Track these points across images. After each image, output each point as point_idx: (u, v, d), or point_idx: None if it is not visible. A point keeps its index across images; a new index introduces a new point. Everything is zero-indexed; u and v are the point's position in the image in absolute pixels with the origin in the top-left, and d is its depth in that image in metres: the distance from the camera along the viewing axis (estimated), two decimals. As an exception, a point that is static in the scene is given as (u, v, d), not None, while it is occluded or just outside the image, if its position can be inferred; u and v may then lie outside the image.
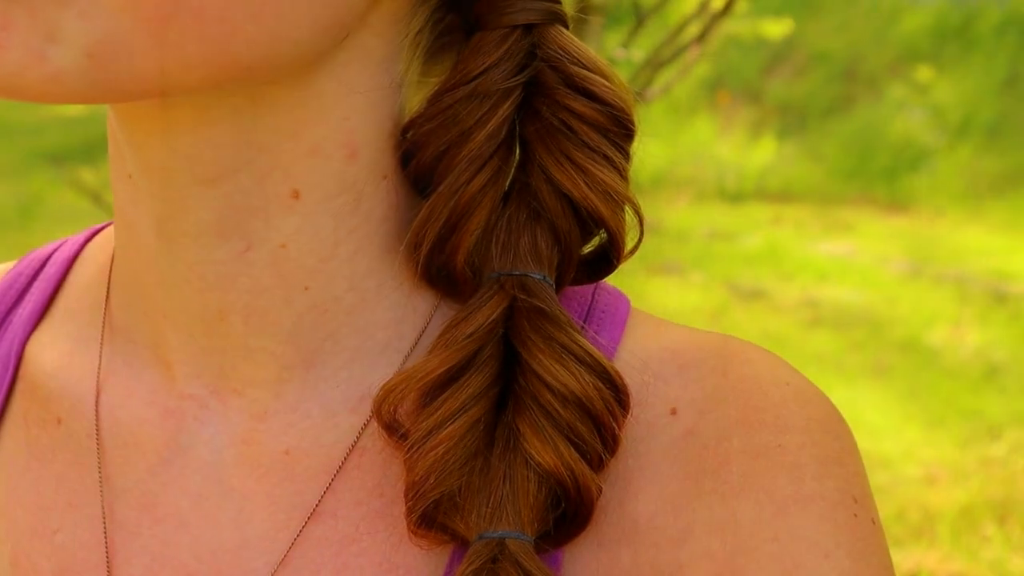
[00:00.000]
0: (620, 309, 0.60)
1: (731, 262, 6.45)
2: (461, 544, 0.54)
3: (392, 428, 0.55)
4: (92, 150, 8.13)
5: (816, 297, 5.97)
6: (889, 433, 4.33)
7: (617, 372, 0.55)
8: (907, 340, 5.39)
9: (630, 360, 0.57)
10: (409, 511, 0.54)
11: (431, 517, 0.53)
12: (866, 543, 0.54)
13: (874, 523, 0.55)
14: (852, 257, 6.67)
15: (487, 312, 0.55)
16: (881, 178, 8.13)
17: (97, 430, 0.60)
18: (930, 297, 5.98)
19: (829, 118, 8.72)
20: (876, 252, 6.74)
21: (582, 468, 0.53)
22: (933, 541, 3.87)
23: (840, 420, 0.57)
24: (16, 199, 7.64)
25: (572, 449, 0.53)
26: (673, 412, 0.56)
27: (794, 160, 8.33)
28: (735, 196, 8.00)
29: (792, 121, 8.75)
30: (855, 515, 0.54)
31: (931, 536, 3.89)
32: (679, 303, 5.24)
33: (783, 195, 8.00)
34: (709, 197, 7.95)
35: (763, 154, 8.31)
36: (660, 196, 7.85)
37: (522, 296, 0.55)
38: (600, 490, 0.54)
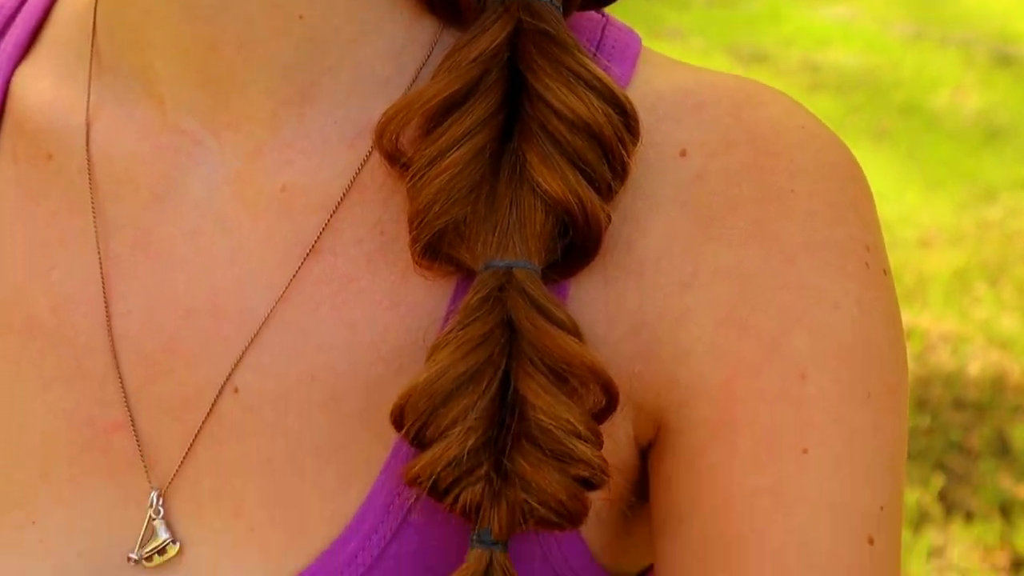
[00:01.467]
0: (631, 45, 0.58)
1: (732, 27, 6.32)
2: (466, 276, 0.54)
3: (394, 157, 0.54)
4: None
5: (817, 61, 5.87)
6: (887, 197, 4.33)
7: (627, 97, 0.53)
8: (908, 104, 5.33)
9: (640, 98, 0.55)
10: (413, 240, 0.53)
11: (436, 247, 0.53)
12: (876, 293, 0.53)
13: (885, 273, 0.54)
14: (854, 20, 6.54)
15: (492, 36, 0.53)
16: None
17: (89, 166, 0.59)
18: (933, 60, 5.88)
19: None
20: (879, 15, 6.59)
21: (590, 195, 0.52)
22: (926, 303, 3.92)
23: (856, 165, 0.55)
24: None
25: (580, 176, 0.52)
26: (683, 154, 0.54)
27: (798, -80, 8.07)
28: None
29: None
30: (867, 264, 0.53)
31: (924, 298, 3.94)
32: (678, 69, 5.14)
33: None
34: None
35: (766, -86, 8.05)
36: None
37: (528, 19, 0.53)
38: (609, 218, 0.53)
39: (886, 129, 5.02)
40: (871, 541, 0.51)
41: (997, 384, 3.58)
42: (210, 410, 0.57)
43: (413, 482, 0.51)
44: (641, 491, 0.57)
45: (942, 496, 3.06)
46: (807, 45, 6.11)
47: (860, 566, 0.50)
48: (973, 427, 3.39)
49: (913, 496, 2.83)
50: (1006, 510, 3.00)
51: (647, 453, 0.56)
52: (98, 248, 0.59)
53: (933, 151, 4.84)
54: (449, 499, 0.50)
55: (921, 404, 3.39)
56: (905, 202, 4.28)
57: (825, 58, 5.93)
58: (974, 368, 3.64)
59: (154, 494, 0.57)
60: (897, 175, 4.51)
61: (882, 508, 0.51)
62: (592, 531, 0.56)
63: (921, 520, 2.93)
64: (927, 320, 3.83)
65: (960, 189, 4.50)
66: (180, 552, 0.56)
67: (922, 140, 4.94)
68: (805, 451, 0.51)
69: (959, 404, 3.51)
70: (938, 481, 3.12)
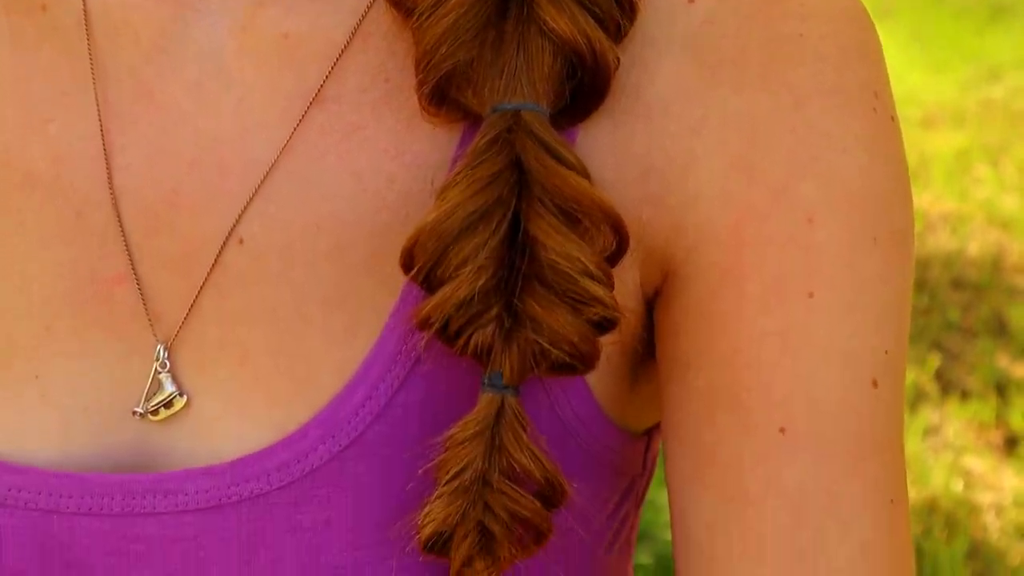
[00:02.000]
0: None
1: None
2: (472, 123, 0.53)
3: (399, 1, 0.53)
4: None
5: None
6: (891, 77, 4.30)
7: None
8: (914, -19, 5.26)
9: None
10: (420, 84, 0.52)
11: (443, 91, 0.52)
12: (884, 139, 0.53)
13: (893, 120, 0.54)
14: None
15: None
16: None
17: (85, 16, 0.58)
18: (940, -64, 5.79)
19: None
20: None
21: (599, 35, 0.51)
22: (927, 183, 3.91)
23: (865, 12, 0.55)
24: None
25: (588, 16, 0.51)
26: (691, 0, 0.54)
27: None
28: None
29: None
30: (875, 109, 0.53)
31: (925, 178, 3.93)
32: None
33: None
34: None
35: None
36: None
37: None
38: (618, 60, 0.52)
39: (891, 8, 4.96)
40: (875, 384, 0.51)
41: (996, 264, 3.60)
42: (215, 261, 0.56)
43: (423, 324, 0.51)
44: (646, 344, 0.57)
45: (938, 375, 3.10)
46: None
47: (864, 408, 0.51)
48: (971, 307, 3.41)
49: (910, 376, 2.86)
50: (1001, 389, 3.04)
51: (653, 303, 0.56)
52: (96, 100, 0.58)
53: (938, 29, 4.79)
54: (460, 342, 0.50)
55: (920, 285, 3.41)
56: (909, 82, 4.24)
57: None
58: (973, 248, 3.65)
59: (160, 347, 0.56)
60: (901, 55, 4.47)
61: (887, 352, 0.52)
62: (599, 381, 0.56)
63: (917, 399, 2.96)
64: (927, 200, 3.83)
65: (964, 68, 4.46)
66: (187, 404, 0.56)
67: (927, 18, 4.89)
68: (812, 295, 0.51)
69: (957, 284, 3.52)
70: (935, 360, 3.15)
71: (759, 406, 0.51)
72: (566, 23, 0.51)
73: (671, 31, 0.53)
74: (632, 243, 0.53)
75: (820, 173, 0.52)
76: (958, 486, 2.67)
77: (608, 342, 0.53)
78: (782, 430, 0.51)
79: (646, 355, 0.57)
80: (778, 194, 0.52)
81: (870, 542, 0.51)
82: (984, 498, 2.64)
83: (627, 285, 0.55)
